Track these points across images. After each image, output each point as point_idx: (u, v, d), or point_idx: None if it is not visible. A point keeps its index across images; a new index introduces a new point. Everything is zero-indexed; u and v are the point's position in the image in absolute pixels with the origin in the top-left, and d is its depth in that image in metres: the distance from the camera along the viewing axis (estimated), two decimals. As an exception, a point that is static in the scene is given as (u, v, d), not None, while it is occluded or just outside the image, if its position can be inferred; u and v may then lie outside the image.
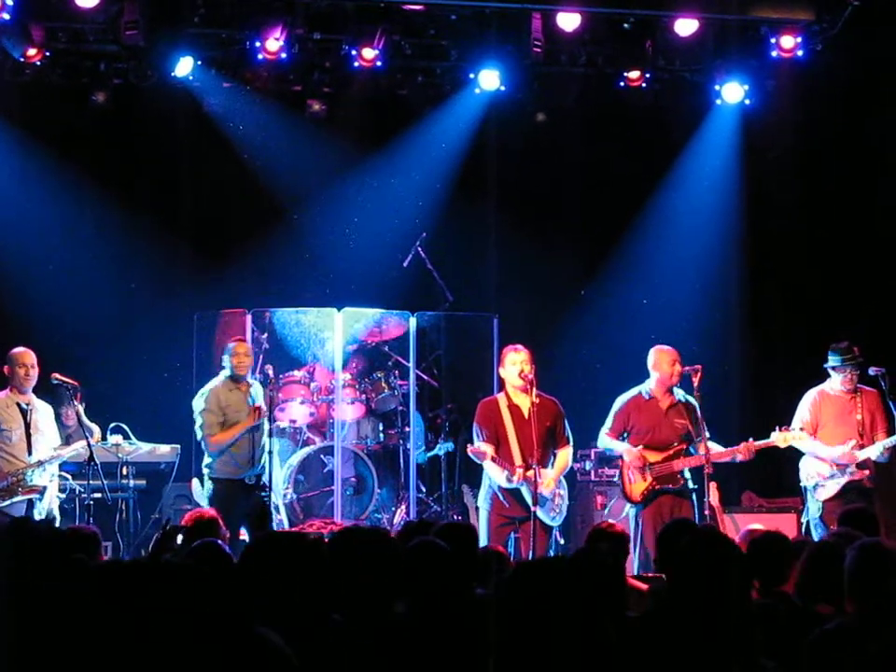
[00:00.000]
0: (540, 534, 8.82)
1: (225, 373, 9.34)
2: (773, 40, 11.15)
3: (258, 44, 10.59)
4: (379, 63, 10.83)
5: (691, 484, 9.21)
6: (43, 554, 3.94)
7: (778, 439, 9.28)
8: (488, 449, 8.95)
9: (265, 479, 9.34)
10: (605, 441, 9.44)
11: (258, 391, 9.47)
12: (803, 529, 9.64)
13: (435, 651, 4.08)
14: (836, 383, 9.59)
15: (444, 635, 4.16)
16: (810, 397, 9.68)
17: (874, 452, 9.38)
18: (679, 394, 9.33)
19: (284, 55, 10.65)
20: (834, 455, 9.43)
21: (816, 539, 8.56)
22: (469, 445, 9.33)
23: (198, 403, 9.27)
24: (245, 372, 9.34)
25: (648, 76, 11.30)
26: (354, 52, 10.79)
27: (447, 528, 5.37)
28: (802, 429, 9.48)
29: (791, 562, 5.23)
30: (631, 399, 9.38)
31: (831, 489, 9.44)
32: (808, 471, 9.58)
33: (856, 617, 4.09)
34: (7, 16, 10.09)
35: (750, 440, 9.24)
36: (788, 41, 11.10)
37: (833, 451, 9.45)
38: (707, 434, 9.22)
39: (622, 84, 11.25)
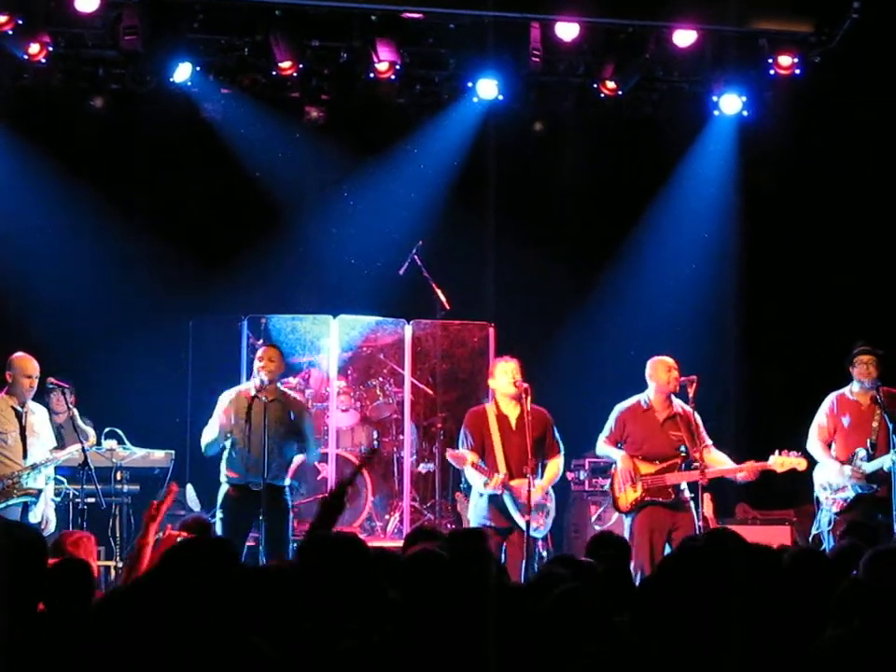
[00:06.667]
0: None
1: (254, 378, 9.10)
2: (770, 60, 11.18)
3: (270, 61, 10.66)
4: (396, 70, 10.83)
5: (688, 494, 8.94)
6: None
7: (776, 463, 8.95)
8: (467, 454, 8.91)
9: (287, 489, 9.19)
10: (601, 447, 9.32)
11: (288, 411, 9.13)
12: (810, 539, 9.44)
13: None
14: (855, 384, 9.43)
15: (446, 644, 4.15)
16: (828, 401, 9.52)
17: (886, 462, 9.09)
18: (678, 404, 9.16)
19: (295, 73, 10.70)
20: (838, 477, 9.26)
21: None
22: (448, 449, 9.32)
23: None
24: (265, 378, 8.91)
25: (634, 84, 11.29)
26: (370, 72, 10.81)
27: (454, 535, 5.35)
28: (820, 438, 9.40)
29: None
30: (628, 407, 9.25)
31: (843, 501, 9.26)
32: (821, 481, 9.40)
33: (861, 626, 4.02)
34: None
35: (750, 462, 9.02)
36: (785, 59, 11.13)
37: (840, 472, 9.27)
38: (709, 442, 9.14)
39: (602, 93, 11.23)
